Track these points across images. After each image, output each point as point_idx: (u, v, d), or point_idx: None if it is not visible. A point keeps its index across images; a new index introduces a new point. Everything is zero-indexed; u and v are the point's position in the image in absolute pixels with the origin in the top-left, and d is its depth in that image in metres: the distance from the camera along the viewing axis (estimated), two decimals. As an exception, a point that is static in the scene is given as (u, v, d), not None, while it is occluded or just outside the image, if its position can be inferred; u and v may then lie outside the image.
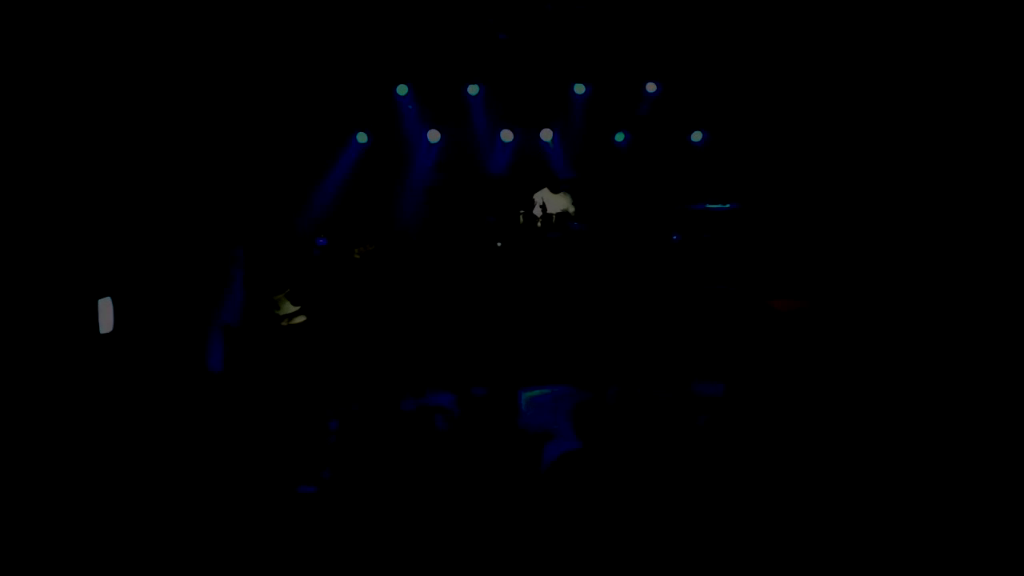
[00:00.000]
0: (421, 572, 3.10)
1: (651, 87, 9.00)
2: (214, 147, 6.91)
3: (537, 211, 8.45)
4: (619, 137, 9.33)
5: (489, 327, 7.55)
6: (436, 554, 3.12)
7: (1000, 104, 5.62)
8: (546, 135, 9.18)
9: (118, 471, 3.77)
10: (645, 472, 3.42)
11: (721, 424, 4.14)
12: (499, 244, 7.72)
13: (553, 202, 8.58)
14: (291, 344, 6.53)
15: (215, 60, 6.69)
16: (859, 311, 6.46)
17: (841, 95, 7.31)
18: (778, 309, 6.15)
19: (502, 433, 3.86)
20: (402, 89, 8.84)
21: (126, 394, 5.17)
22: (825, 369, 5.96)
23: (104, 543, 3.21)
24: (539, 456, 4.03)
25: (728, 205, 8.47)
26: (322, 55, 8.04)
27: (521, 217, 8.40)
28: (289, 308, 6.45)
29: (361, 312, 7.88)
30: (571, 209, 8.60)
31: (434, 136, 8.98)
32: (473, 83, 8.97)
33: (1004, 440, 4.02)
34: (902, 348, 5.90)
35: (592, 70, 9.01)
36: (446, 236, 6.86)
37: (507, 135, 9.12)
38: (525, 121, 9.16)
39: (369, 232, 7.04)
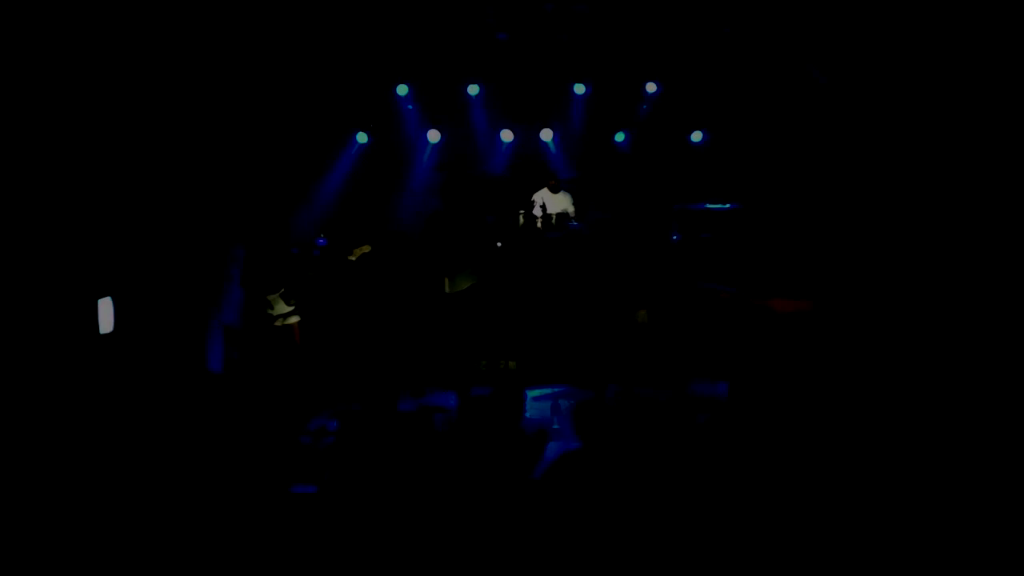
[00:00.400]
0: (420, 572, 3.10)
1: (651, 87, 9.00)
2: (215, 147, 6.91)
3: (537, 211, 8.46)
4: (619, 137, 9.33)
5: (489, 327, 7.56)
6: (436, 554, 3.12)
7: (1002, 104, 5.62)
8: (546, 135, 9.18)
9: (118, 470, 3.77)
10: (645, 472, 3.42)
11: (721, 424, 4.14)
12: (499, 244, 7.72)
13: (553, 202, 8.58)
14: (289, 345, 6.52)
15: (216, 61, 6.69)
16: (859, 311, 6.46)
17: (841, 94, 7.31)
18: (777, 309, 6.14)
19: (504, 433, 3.86)
20: (402, 89, 8.84)
21: (126, 394, 5.17)
22: (824, 370, 5.95)
23: (104, 542, 3.21)
24: (539, 456, 4.03)
25: (728, 205, 8.48)
26: (322, 55, 8.04)
27: (521, 217, 8.40)
28: (283, 308, 6.43)
29: (358, 312, 7.88)
30: (571, 209, 8.60)
31: (434, 136, 8.99)
32: (473, 83, 8.97)
33: (1006, 441, 4.02)
34: (902, 350, 5.90)
35: (592, 70, 9.01)
36: (446, 236, 6.86)
37: (507, 135, 9.12)
38: (525, 121, 9.16)
39: (367, 233, 7.04)
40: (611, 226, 7.22)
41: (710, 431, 4.06)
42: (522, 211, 8.43)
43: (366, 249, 6.50)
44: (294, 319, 6.50)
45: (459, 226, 6.90)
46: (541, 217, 8.34)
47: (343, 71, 8.38)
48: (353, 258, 6.48)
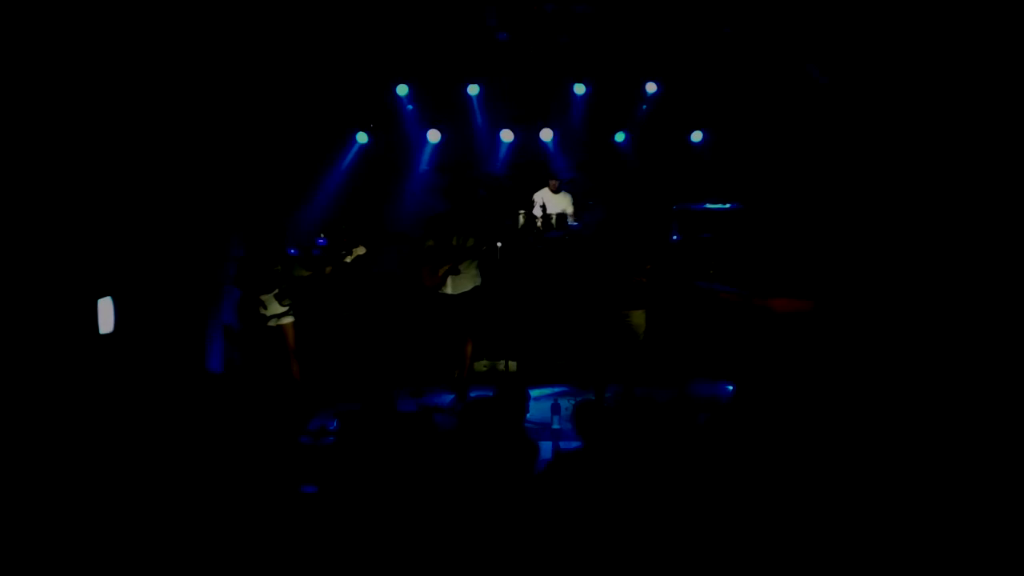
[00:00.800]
0: (421, 572, 3.10)
1: (651, 87, 8.99)
2: (214, 147, 6.91)
3: (537, 211, 8.45)
4: (619, 137, 9.32)
5: (489, 327, 7.56)
6: (436, 554, 3.12)
7: (1002, 104, 5.61)
8: (546, 135, 9.17)
9: (118, 470, 3.77)
10: (645, 472, 3.43)
11: (721, 424, 4.14)
12: (499, 244, 7.72)
13: (553, 202, 8.58)
14: (280, 345, 6.51)
15: (217, 62, 6.68)
16: (860, 311, 6.46)
17: (841, 94, 7.31)
18: (777, 309, 6.14)
19: (506, 432, 3.86)
20: (402, 89, 8.84)
21: (126, 394, 5.16)
22: (824, 370, 5.95)
23: (105, 542, 3.21)
24: (540, 455, 4.03)
25: (728, 205, 8.48)
26: (322, 55, 8.03)
27: (521, 217, 8.41)
28: (276, 308, 6.41)
29: (355, 313, 7.88)
30: (571, 209, 8.60)
31: (434, 136, 8.98)
32: (473, 83, 8.97)
33: (1006, 441, 4.02)
34: (903, 350, 5.89)
35: (592, 70, 9.00)
36: (445, 236, 6.87)
37: (507, 135, 9.12)
38: (525, 121, 9.15)
39: (363, 234, 7.02)
40: (611, 226, 7.22)
41: (710, 431, 4.06)
42: (522, 211, 8.43)
43: (361, 251, 6.47)
44: (288, 320, 6.49)
45: (459, 226, 6.89)
46: (541, 217, 8.34)
47: (343, 71, 8.37)
48: (348, 260, 6.46)
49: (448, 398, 7.04)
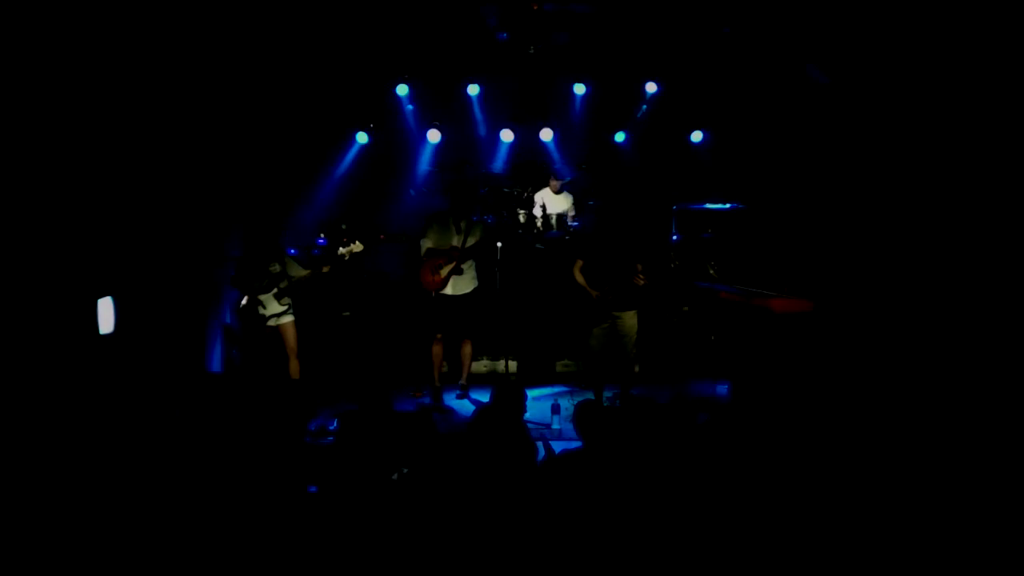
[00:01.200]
0: (421, 572, 3.10)
1: (651, 87, 8.99)
2: (214, 148, 6.91)
3: (537, 211, 8.46)
4: (619, 137, 9.33)
5: (489, 326, 7.56)
6: (435, 554, 3.12)
7: (1003, 104, 5.61)
8: (546, 135, 9.17)
9: (119, 471, 3.77)
10: (645, 472, 3.43)
11: (721, 424, 4.15)
12: (499, 244, 7.73)
13: (553, 202, 8.58)
14: (277, 345, 6.51)
15: (217, 63, 6.68)
16: (859, 312, 6.46)
17: (842, 94, 7.31)
18: (776, 310, 6.14)
19: (505, 432, 3.86)
20: (402, 89, 8.84)
21: (126, 394, 5.17)
22: (824, 370, 5.95)
23: (107, 542, 3.21)
24: (539, 455, 4.03)
25: (728, 205, 8.48)
26: (322, 55, 8.03)
27: (521, 217, 8.40)
28: (275, 308, 6.41)
29: (353, 311, 7.88)
30: (571, 209, 8.60)
31: (434, 136, 8.98)
32: (473, 83, 8.97)
33: (1005, 441, 4.02)
34: (902, 350, 5.89)
35: (592, 70, 9.00)
36: (446, 236, 6.86)
37: (507, 135, 9.11)
38: (525, 121, 9.15)
39: (362, 232, 7.02)
40: (610, 226, 7.22)
41: (710, 431, 4.07)
42: (522, 211, 8.43)
43: (358, 247, 6.46)
44: (287, 319, 6.48)
45: (460, 226, 6.89)
46: (541, 217, 8.35)
47: (343, 71, 8.37)
48: (346, 257, 6.45)
49: (451, 396, 7.06)
